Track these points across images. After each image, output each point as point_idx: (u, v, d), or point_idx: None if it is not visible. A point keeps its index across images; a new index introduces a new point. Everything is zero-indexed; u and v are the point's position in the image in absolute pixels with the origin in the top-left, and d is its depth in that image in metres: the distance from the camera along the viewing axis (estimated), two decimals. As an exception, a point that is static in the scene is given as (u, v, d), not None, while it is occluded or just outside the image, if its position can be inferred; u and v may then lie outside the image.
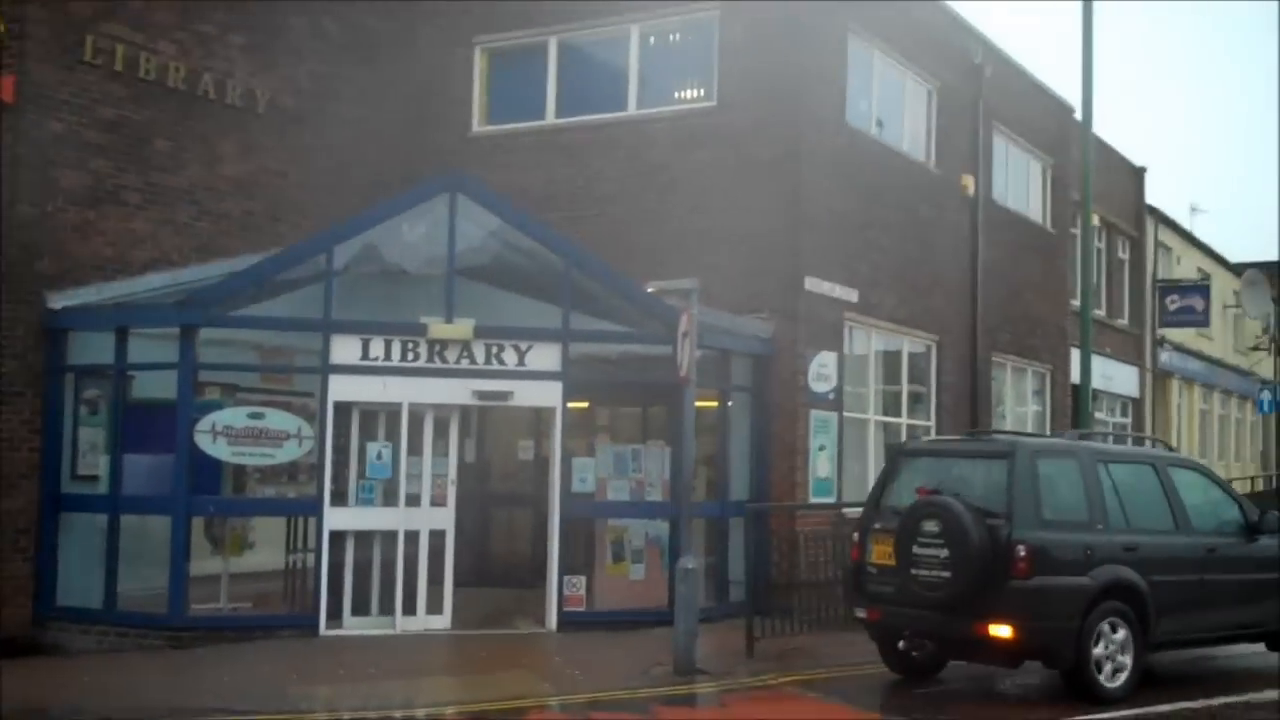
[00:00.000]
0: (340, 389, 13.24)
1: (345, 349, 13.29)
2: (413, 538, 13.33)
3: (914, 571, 10.61)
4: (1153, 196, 33.90)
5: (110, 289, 13.71)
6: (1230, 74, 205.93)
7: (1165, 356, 34.00)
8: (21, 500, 13.15)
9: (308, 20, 16.68)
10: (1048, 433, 22.34)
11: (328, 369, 13.24)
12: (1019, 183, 22.54)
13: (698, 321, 12.30)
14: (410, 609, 13.29)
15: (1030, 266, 22.39)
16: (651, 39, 17.17)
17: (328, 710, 10.24)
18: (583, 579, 13.96)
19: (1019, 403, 22.22)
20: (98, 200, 14.00)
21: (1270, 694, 11.13)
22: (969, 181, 19.88)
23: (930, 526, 10.51)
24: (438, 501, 13.50)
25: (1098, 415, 27.21)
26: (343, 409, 13.30)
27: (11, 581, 13.03)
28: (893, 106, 18.51)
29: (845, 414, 16.37)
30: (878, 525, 11.36)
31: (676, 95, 17.09)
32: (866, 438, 17.29)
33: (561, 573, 13.68)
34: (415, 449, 13.44)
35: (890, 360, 18.27)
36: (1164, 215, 34.94)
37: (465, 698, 10.53)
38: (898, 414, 18.23)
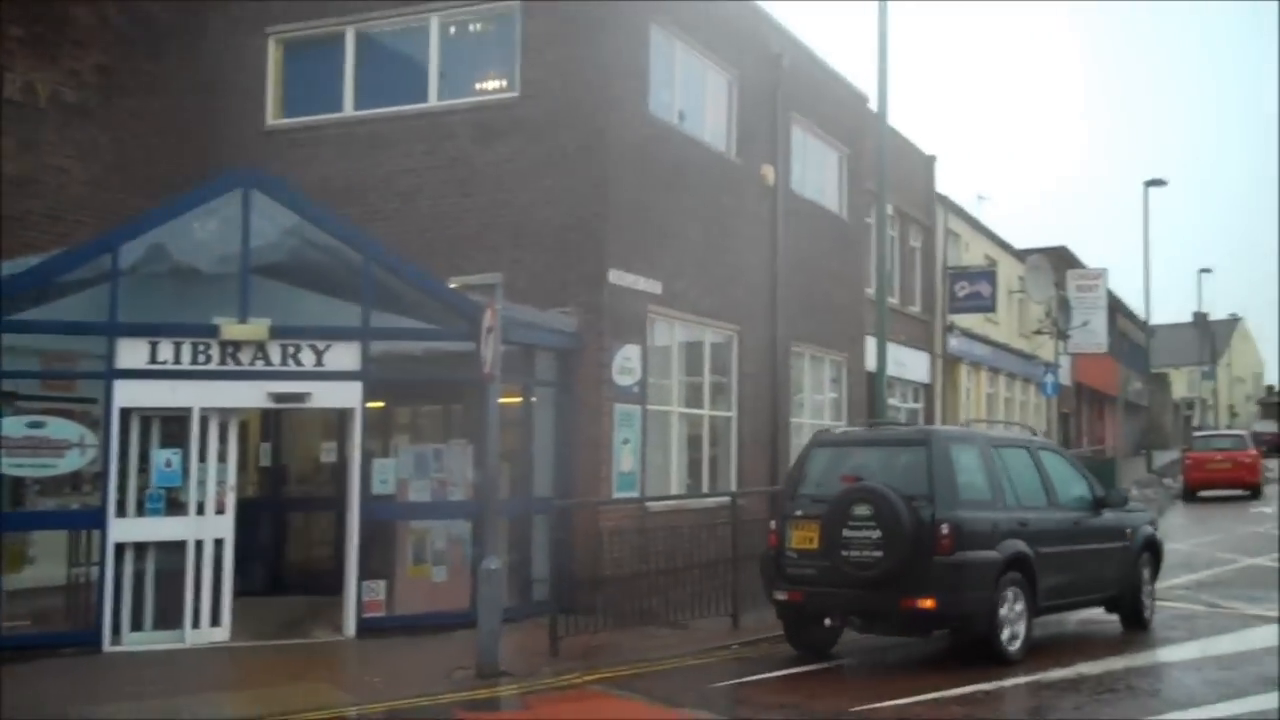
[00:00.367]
0: (126, 394, 12.65)
1: (132, 352, 12.72)
2: (201, 548, 12.83)
3: (845, 553, 11.49)
4: (942, 185, 34.98)
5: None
6: (1013, 66, 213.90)
7: (954, 342, 35.12)
8: None
9: (93, 11, 15.94)
10: (843, 419, 22.94)
11: (113, 374, 12.64)
12: (816, 172, 22.92)
13: (502, 317, 12.13)
14: (198, 622, 12.80)
15: (828, 256, 22.81)
16: (452, 29, 16.90)
17: (112, 729, 9.80)
18: (383, 583, 13.65)
19: (817, 391, 22.67)
20: None
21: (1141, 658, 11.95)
22: (769, 171, 20.13)
23: (862, 510, 11.44)
24: (221, 509, 13.03)
25: (891, 402, 27.98)
26: (129, 415, 12.71)
27: None
28: (694, 97, 18.61)
29: (649, 407, 16.42)
30: (798, 512, 12.21)
31: (478, 87, 16.85)
32: (670, 430, 17.39)
33: (360, 577, 13.34)
34: (207, 455, 12.97)
35: (693, 351, 18.40)
36: (953, 203, 36.06)
37: (257, 712, 10.13)
38: (700, 405, 18.39)
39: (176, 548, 12.76)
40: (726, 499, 15.48)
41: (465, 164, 16.18)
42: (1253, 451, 37.64)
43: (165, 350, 12.81)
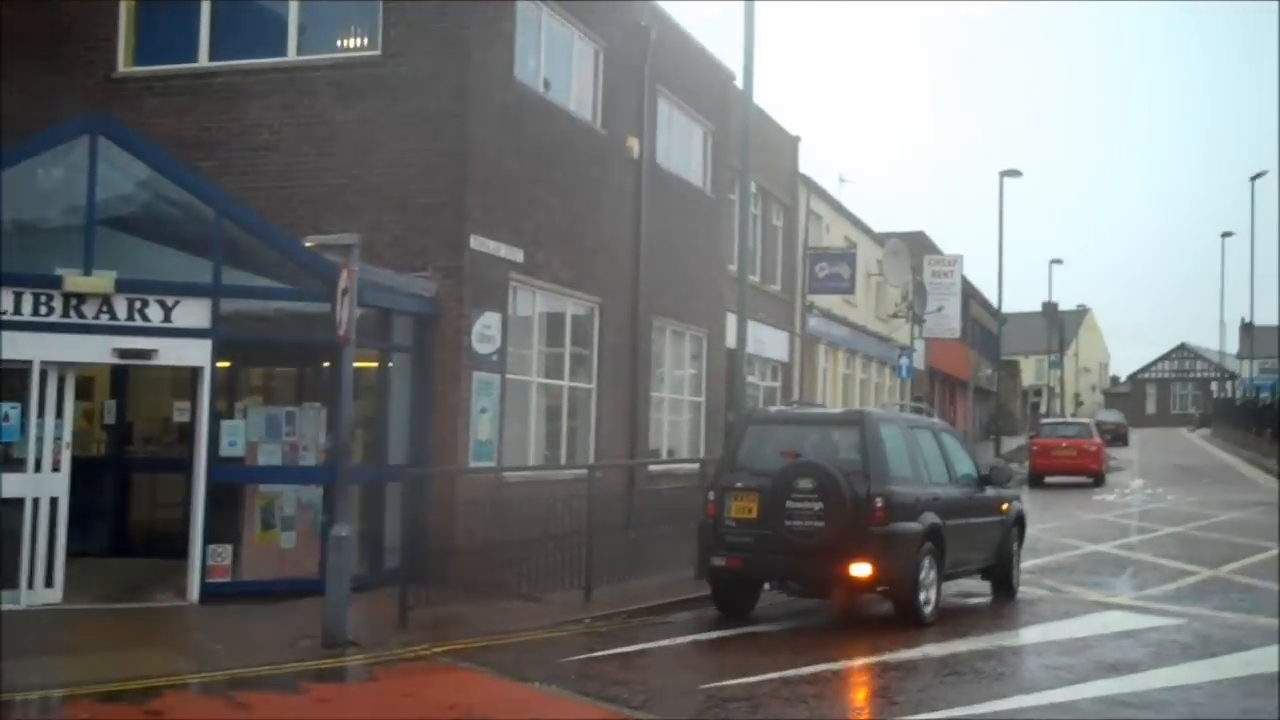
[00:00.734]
0: (-38, 346, 12.05)
1: (-31, 302, 12.13)
2: (38, 506, 12.36)
3: (788, 523, 12.41)
4: (806, 166, 35.26)
5: None
6: (880, 52, 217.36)
7: (813, 322, 35.48)
8: None
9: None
10: (703, 394, 23.03)
11: (-53, 325, 12.05)
12: (682, 147, 22.91)
13: (358, 279, 11.82)
14: (32, 583, 12.33)
15: (691, 231, 22.82)
16: (314, -18, 16.42)
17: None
18: (229, 548, 13.30)
19: (677, 365, 22.70)
20: None
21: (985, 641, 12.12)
22: (634, 143, 20.05)
23: (805, 484, 12.41)
24: (57, 467, 12.58)
25: (750, 379, 28.14)
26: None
27: None
28: (561, 65, 18.41)
29: (508, 376, 16.23)
30: (738, 484, 13.07)
31: (339, 44, 16.37)
32: (529, 400, 17.23)
33: (206, 542, 12.97)
34: (46, 410, 12.46)
35: (554, 322, 18.27)
36: (816, 185, 36.37)
37: (93, 677, 9.74)
38: (560, 376, 18.26)
39: (14, 505, 12.26)
40: (584, 471, 15.37)
41: (324, 122, 15.73)
42: (1097, 440, 38.76)
43: (5, 300, 12.33)
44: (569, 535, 14.21)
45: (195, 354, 13.10)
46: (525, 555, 13.96)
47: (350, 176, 15.49)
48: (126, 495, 16.21)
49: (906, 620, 12.74)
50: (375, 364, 14.65)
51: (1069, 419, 54.10)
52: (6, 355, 12.32)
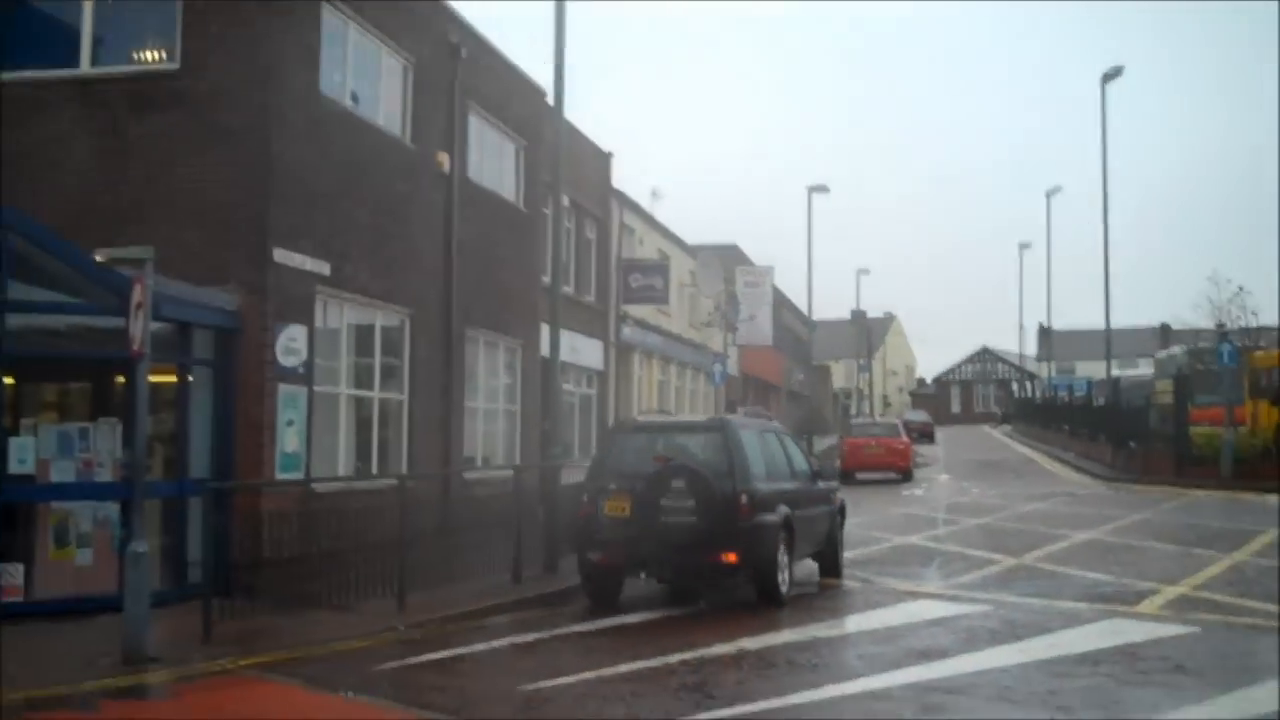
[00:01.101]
0: None
1: None
2: None
3: (664, 519, 13.66)
4: (619, 180, 35.66)
5: None
6: (691, 67, 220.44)
7: (628, 331, 35.86)
8: None
9: None
10: (518, 403, 23.01)
11: None
12: (494, 162, 22.94)
13: (153, 292, 11.55)
14: None
15: (504, 243, 22.85)
16: (108, -8, 15.96)
17: None
18: (20, 567, 12.88)
19: (491, 376, 22.66)
20: None
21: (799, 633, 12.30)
22: (444, 159, 20.01)
23: (678, 484, 13.72)
24: None
25: (566, 387, 28.33)
26: None
27: None
28: (369, 80, 18.29)
29: (316, 388, 15.99)
30: (612, 487, 14.19)
31: (135, 56, 15.95)
32: (338, 412, 17.00)
33: (-3, 562, 12.49)
34: None
35: (363, 334, 18.07)
36: (628, 198, 36.81)
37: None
38: (370, 388, 18.07)
39: None
40: (395, 481, 15.26)
41: (119, 135, 15.31)
42: (904, 439, 40.00)
43: None
44: (382, 545, 14.08)
45: (-21, 370, 12.58)
46: (336, 566, 13.79)
47: (146, 190, 15.10)
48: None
49: (768, 601, 14.05)
50: (175, 378, 14.27)
51: (878, 419, 55.69)
52: None
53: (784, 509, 14.52)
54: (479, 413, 21.79)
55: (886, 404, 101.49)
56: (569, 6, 18.54)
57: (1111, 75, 46.64)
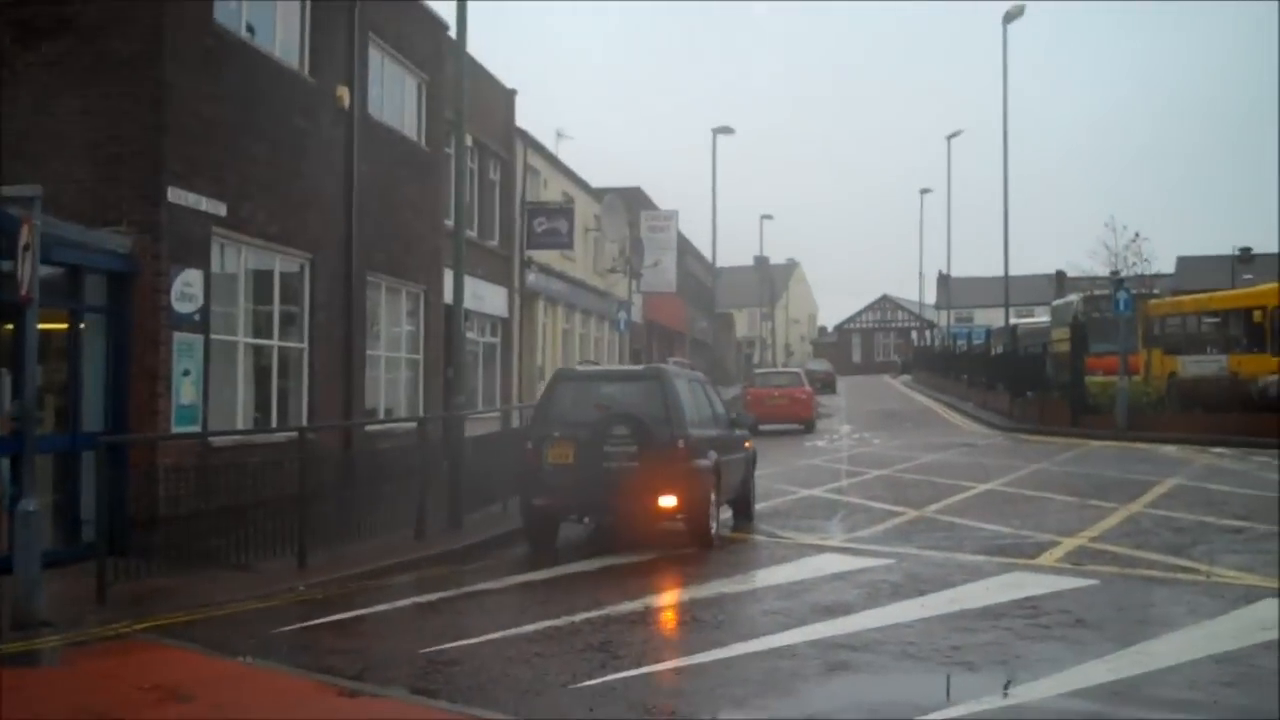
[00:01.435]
0: None
1: None
2: None
3: (606, 464, 14.38)
4: (523, 120, 35.02)
5: None
6: (595, 6, 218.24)
7: (532, 278, 35.39)
8: None
9: None
10: (421, 352, 22.62)
11: None
12: (395, 98, 22.30)
13: (41, 233, 10.96)
14: None
15: (406, 185, 22.28)
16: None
17: None
18: (-103, 527, 12.21)
19: (394, 323, 22.18)
20: None
21: (705, 589, 11.86)
22: (344, 93, 19.35)
23: (620, 430, 14.47)
24: None
25: (470, 335, 27.86)
26: None
27: None
28: (265, 9, 17.57)
29: (213, 336, 15.44)
30: (556, 434, 14.81)
31: (19, -21, 15.15)
32: (236, 361, 16.43)
33: None
34: None
35: (262, 279, 17.47)
36: (532, 139, 36.19)
37: None
38: (270, 336, 17.52)
39: None
40: (295, 434, 14.82)
41: (4, 65, 14.56)
42: (807, 389, 40.10)
43: None
44: (282, 500, 13.69)
45: None
46: (236, 523, 13.37)
47: (33, 124, 14.36)
48: None
49: (700, 542, 14.89)
50: (65, 325, 13.66)
51: (781, 369, 55.89)
52: None
53: (715, 454, 15.35)
54: (381, 362, 21.33)
55: (789, 353, 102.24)
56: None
57: (1014, 15, 46.61)
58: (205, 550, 12.82)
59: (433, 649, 9.73)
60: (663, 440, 14.51)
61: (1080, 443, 30.70)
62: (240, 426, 16.30)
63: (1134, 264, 35.69)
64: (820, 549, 14.80)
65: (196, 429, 14.74)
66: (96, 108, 14.36)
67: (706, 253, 63.92)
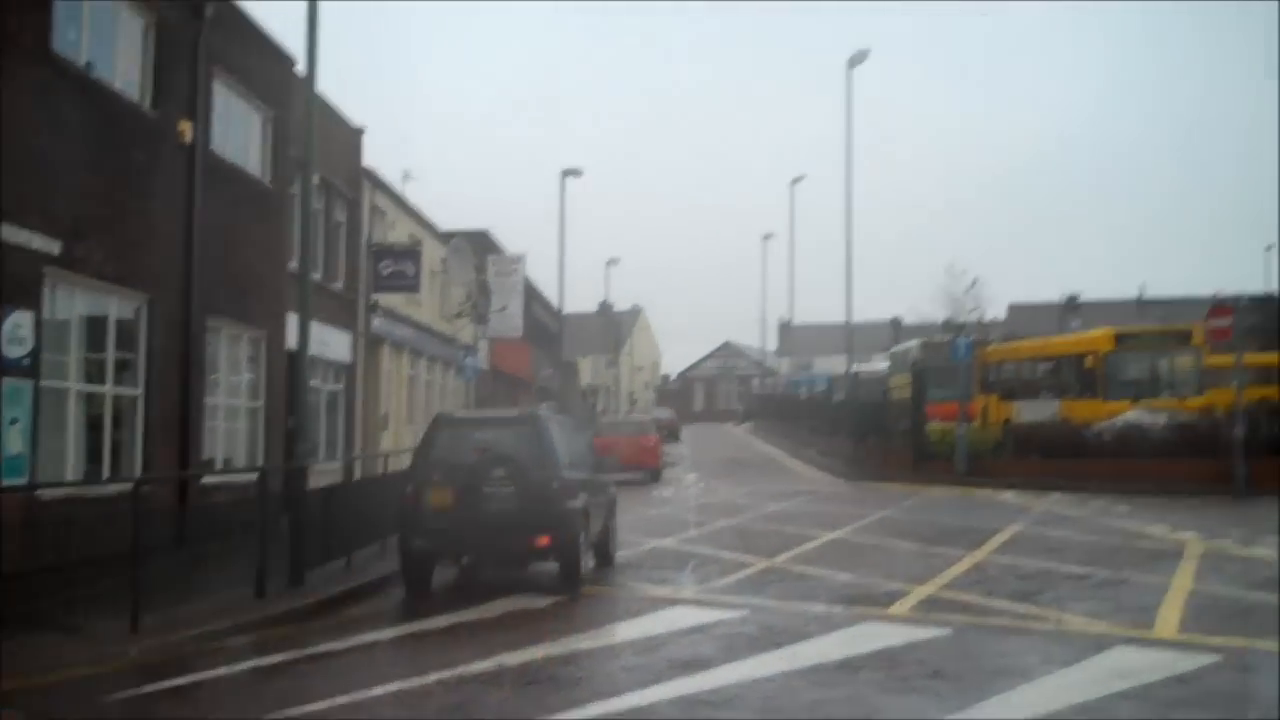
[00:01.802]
0: None
1: None
2: None
3: (484, 506, 14.93)
4: (370, 159, 34.44)
5: None
6: (442, 47, 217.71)
7: (378, 322, 34.69)
8: None
9: None
10: (261, 399, 21.92)
11: None
12: (240, 134, 21.65)
13: None
14: None
15: (249, 224, 21.63)
16: None
17: None
18: None
19: (233, 369, 21.44)
20: None
21: (560, 645, 11.49)
22: (187, 127, 18.71)
23: (499, 473, 15.06)
24: None
25: (313, 383, 27.11)
26: None
27: None
28: (105, 39, 16.89)
29: (43, 383, 14.65)
30: (435, 478, 15.29)
31: None
32: (66, 410, 15.64)
33: None
34: None
35: (95, 323, 16.69)
36: (379, 179, 35.59)
37: None
38: (103, 383, 16.73)
39: None
40: (129, 486, 14.12)
41: None
42: (654, 437, 40.13)
43: None
44: (115, 558, 12.93)
45: None
46: (64, 582, 12.66)
47: None
48: None
49: (570, 581, 15.46)
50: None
51: (628, 418, 55.95)
52: None
53: (585, 496, 16.08)
54: (219, 410, 20.58)
55: (633, 400, 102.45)
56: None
57: (857, 60, 47.49)
58: (31, 612, 12.06)
59: (275, 716, 9.25)
60: (538, 482, 15.10)
61: (922, 489, 31.20)
62: (70, 478, 15.49)
63: (972, 309, 36.50)
64: (674, 601, 14.59)
65: (24, 481, 13.93)
66: (-80, 140, 13.58)
67: (552, 298, 63.83)
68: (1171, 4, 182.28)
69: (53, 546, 12.82)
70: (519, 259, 49.85)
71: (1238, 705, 9.27)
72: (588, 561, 16.34)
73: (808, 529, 21.95)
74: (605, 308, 79.80)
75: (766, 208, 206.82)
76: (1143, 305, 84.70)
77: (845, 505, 27.22)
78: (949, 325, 43.53)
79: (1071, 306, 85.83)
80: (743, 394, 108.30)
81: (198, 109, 19.11)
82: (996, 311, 54.82)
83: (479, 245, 46.22)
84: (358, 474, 22.56)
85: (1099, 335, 34.96)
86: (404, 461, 25.22)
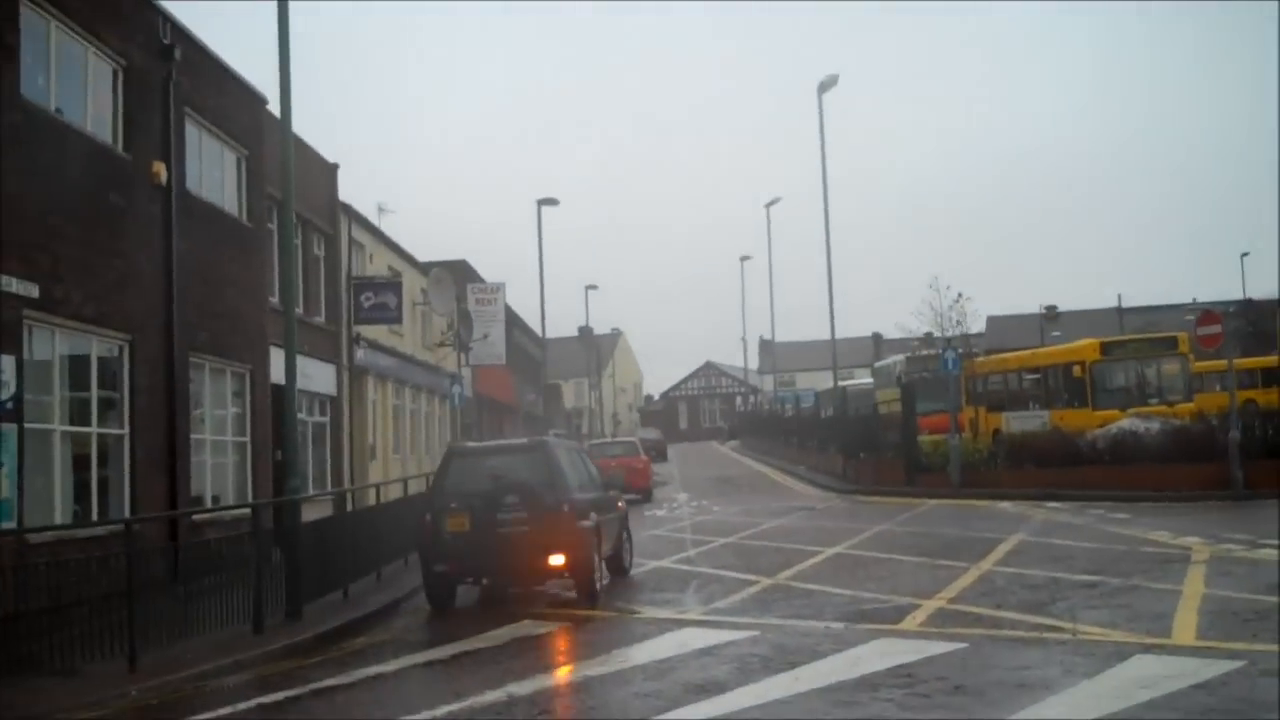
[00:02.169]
0: None
1: None
2: None
3: (501, 530, 15.60)
4: (345, 194, 34.27)
5: None
6: (421, 78, 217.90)
7: (361, 354, 34.49)
8: None
9: None
10: (248, 434, 21.65)
11: None
12: (214, 173, 21.54)
13: None
14: None
15: (228, 262, 21.44)
16: None
17: None
18: None
19: (218, 405, 21.17)
20: None
21: (568, 674, 11.23)
22: (161, 169, 18.57)
23: (512, 498, 15.72)
24: None
25: (300, 415, 26.83)
26: None
27: None
28: (75, 84, 16.81)
29: (27, 425, 14.38)
30: (452, 505, 16.02)
31: None
32: (51, 451, 15.37)
33: None
34: None
35: (78, 364, 16.45)
36: (356, 213, 35.45)
37: None
38: (88, 423, 16.45)
39: None
40: (120, 526, 13.83)
41: None
42: (644, 457, 39.93)
43: None
44: (109, 598, 12.64)
45: None
46: (58, 624, 12.29)
47: None
48: None
49: (585, 598, 16.09)
50: None
51: (617, 439, 55.75)
52: None
53: (596, 515, 16.66)
54: (206, 446, 20.30)
55: (617, 422, 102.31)
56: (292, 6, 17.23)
57: (827, 85, 47.57)
58: (25, 655, 11.74)
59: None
60: (550, 505, 15.70)
61: (918, 502, 30.99)
62: (58, 520, 15.22)
63: (957, 323, 36.52)
64: (681, 623, 14.31)
65: (12, 525, 13.66)
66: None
67: (533, 324, 63.65)
68: (1142, 22, 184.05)
69: (46, 588, 12.47)
70: (499, 287, 49.76)
71: (1267, 712, 9.02)
72: (603, 577, 16.92)
73: (807, 545, 21.72)
74: (585, 332, 79.57)
75: (746, 229, 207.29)
76: (1123, 313, 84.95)
77: (842, 520, 27.01)
78: (931, 339, 43.44)
79: (1051, 317, 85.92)
80: (726, 412, 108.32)
81: (171, 150, 18.99)
82: (976, 325, 54.94)
83: (458, 274, 46.05)
84: (349, 506, 22.22)
85: (1085, 345, 35.00)
86: (396, 492, 25.06)
